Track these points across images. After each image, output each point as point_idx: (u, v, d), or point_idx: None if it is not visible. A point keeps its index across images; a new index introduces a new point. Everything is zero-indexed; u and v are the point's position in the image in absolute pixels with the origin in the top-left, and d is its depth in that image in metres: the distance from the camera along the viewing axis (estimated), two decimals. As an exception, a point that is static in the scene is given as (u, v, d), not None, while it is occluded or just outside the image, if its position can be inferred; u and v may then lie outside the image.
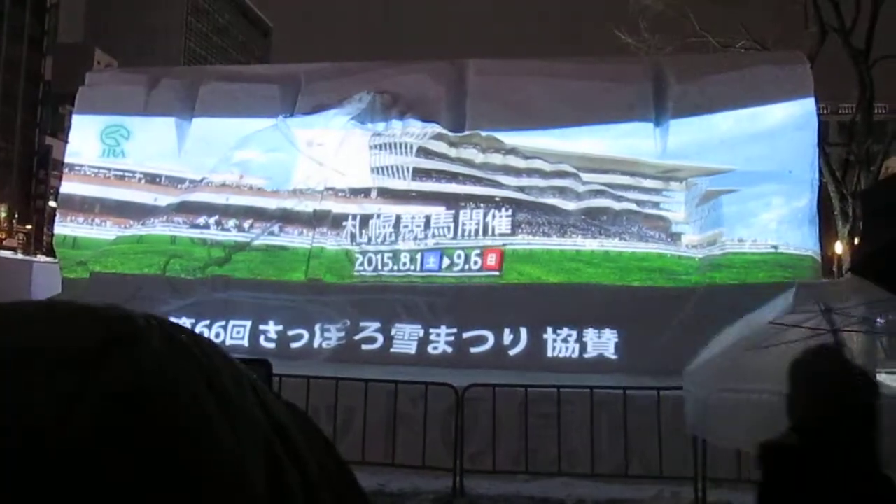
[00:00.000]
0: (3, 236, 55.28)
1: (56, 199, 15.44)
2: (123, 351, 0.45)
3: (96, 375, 0.43)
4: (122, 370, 0.44)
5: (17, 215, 61.19)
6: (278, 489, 0.45)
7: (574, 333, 10.66)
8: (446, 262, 11.31)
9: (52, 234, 14.94)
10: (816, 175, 11.07)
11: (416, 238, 11.46)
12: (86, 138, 12.90)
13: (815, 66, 14.81)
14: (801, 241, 10.13)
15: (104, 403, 0.42)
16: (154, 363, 0.45)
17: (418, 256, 11.40)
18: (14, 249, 39.66)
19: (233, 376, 0.49)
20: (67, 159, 13.38)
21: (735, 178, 10.75)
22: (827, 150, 16.09)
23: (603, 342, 10.59)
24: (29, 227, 60.97)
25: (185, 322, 11.74)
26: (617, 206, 11.14)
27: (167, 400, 0.44)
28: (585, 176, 11.31)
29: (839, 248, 19.04)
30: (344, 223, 11.71)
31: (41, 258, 19.95)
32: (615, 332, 10.52)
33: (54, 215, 14.19)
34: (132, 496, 0.40)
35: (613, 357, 10.48)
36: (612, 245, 10.99)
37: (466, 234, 11.34)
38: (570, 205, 11.21)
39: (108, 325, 0.47)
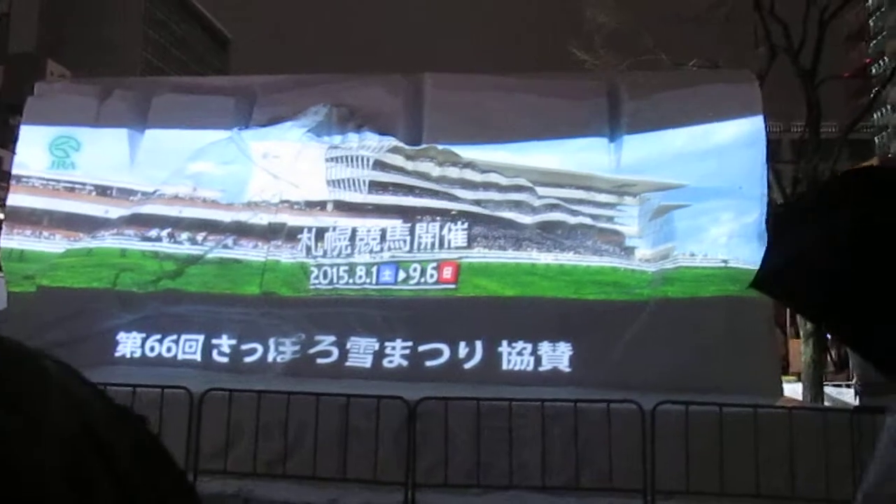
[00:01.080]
0: (-50, 249, 53.71)
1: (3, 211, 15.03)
2: None
3: None
4: None
5: (-36, 228, 59.53)
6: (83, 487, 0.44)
7: (529, 346, 10.70)
8: (402, 275, 11.28)
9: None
10: (766, 191, 11.30)
11: (371, 251, 11.42)
12: (34, 150, 12.61)
13: (767, 85, 15.20)
14: (750, 255, 10.33)
15: None
16: None
17: (374, 269, 11.36)
18: (-40, 263, 38.48)
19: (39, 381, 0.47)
20: (14, 171, 13.04)
21: (687, 194, 10.94)
22: (778, 167, 16.48)
23: (557, 355, 10.65)
24: (-23, 239, 59.30)
25: (136, 336, 11.52)
26: (572, 220, 11.24)
27: None
28: (541, 190, 11.40)
29: (789, 262, 19.43)
30: (299, 236, 11.61)
31: (-12, 272, 19.40)
32: (569, 345, 10.60)
33: (1, 227, 13.82)
34: None
35: (567, 370, 10.54)
36: (567, 259, 11.08)
37: (422, 247, 11.33)
38: (525, 218, 11.28)
39: None
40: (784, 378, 14.88)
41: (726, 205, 10.74)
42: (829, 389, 15.60)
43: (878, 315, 1.38)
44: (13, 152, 13.38)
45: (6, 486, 0.42)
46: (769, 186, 12.45)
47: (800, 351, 16.41)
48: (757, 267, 1.57)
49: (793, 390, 14.33)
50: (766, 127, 11.60)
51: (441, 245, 11.28)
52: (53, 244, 12.26)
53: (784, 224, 1.71)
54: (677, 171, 10.99)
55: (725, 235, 10.72)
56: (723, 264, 10.56)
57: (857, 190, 1.53)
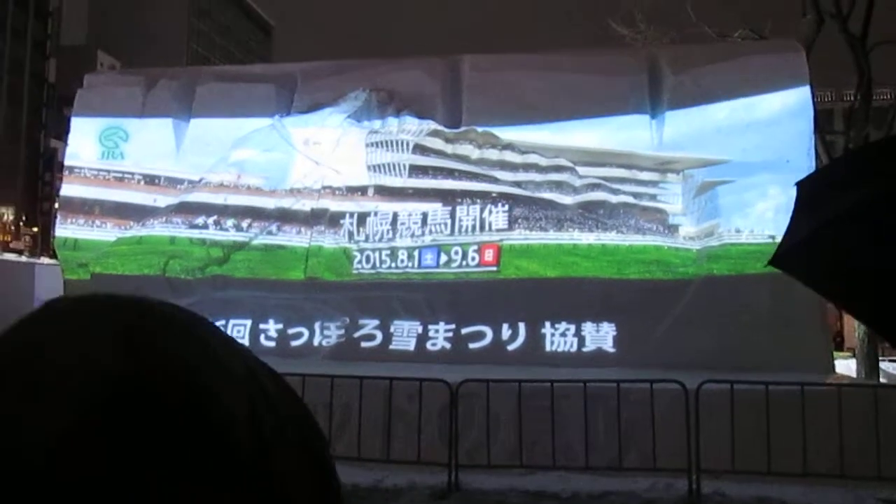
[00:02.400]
0: (10, 239, 55.59)
1: (60, 202, 15.49)
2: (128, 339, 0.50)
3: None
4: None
5: (23, 218, 61.52)
6: (257, 434, 0.51)
7: (572, 327, 10.67)
8: (444, 258, 11.33)
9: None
10: (814, 163, 11.02)
11: (413, 235, 11.48)
12: (84, 140, 12.96)
13: (817, 52, 14.76)
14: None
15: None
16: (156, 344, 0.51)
17: (416, 253, 11.43)
18: (20, 252, 39.89)
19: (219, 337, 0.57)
20: (67, 162, 13.44)
21: (731, 169, 10.73)
22: (830, 138, 16.03)
23: (601, 336, 10.60)
24: (35, 229, 61.30)
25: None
26: (614, 199, 11.12)
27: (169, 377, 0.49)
28: (582, 170, 11.29)
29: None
30: (341, 221, 11.73)
31: (45, 260, 20.06)
32: (613, 325, 10.53)
33: (59, 217, 14.24)
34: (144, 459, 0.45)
35: (612, 350, 10.49)
36: (609, 238, 10.98)
37: (463, 230, 11.35)
38: (566, 199, 11.21)
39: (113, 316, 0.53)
40: (839, 354, 14.59)
41: (773, 179, 10.49)
42: (885, 365, 15.24)
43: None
44: (67, 143, 13.76)
45: (204, 415, 0.48)
46: (818, 158, 12.13)
47: (854, 326, 16.04)
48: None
49: (847, 367, 14.05)
50: (814, 97, 11.29)
51: (482, 227, 11.28)
52: (105, 233, 12.61)
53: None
54: (721, 146, 10.78)
55: (772, 210, 10.48)
56: (770, 240, 10.32)
57: (880, 163, 1.50)
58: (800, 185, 1.70)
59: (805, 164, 10.63)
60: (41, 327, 0.52)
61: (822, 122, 14.70)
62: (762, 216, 10.52)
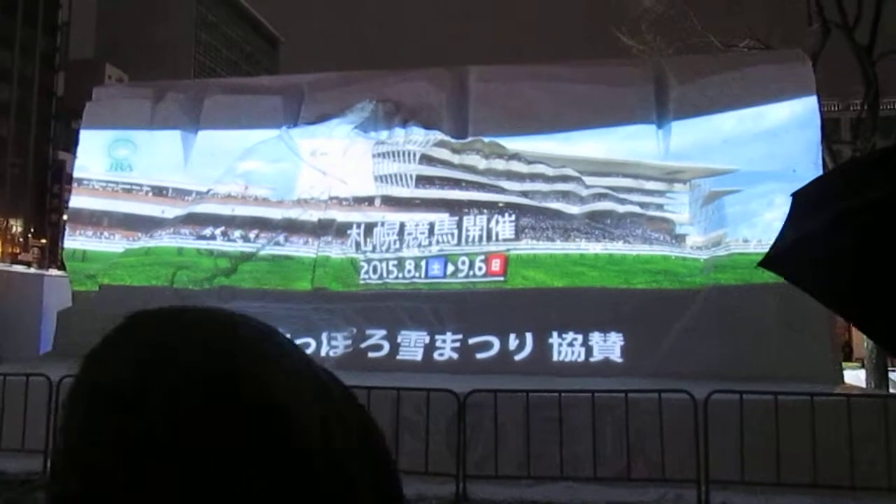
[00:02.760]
0: (19, 251, 55.83)
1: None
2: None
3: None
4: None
5: (32, 230, 61.78)
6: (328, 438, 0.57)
7: (579, 337, 10.65)
8: (451, 268, 11.34)
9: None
10: (821, 173, 11.01)
11: (420, 245, 11.50)
12: (93, 153, 13.04)
13: (822, 63, 14.75)
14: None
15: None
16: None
17: (423, 263, 11.44)
18: (29, 264, 40.05)
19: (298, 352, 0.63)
20: (76, 174, 13.52)
21: (738, 179, 10.73)
22: (836, 147, 16.00)
23: (608, 346, 10.58)
24: (43, 241, 61.54)
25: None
26: (620, 208, 11.13)
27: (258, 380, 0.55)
28: (588, 179, 11.30)
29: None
30: (348, 231, 11.76)
31: (53, 272, 20.15)
32: (620, 335, 10.51)
33: (67, 229, 14.30)
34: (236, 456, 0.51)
35: (619, 360, 10.46)
36: (616, 248, 10.98)
37: (470, 240, 11.37)
38: (573, 209, 11.22)
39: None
40: (847, 365, 14.51)
41: (780, 188, 10.45)
42: (894, 376, 15.15)
43: (885, 299, 1.36)
44: (76, 156, 13.85)
45: (282, 424, 0.54)
46: (825, 168, 12.11)
47: (863, 337, 15.96)
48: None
49: (857, 377, 13.96)
50: (821, 106, 11.29)
51: (489, 237, 11.29)
52: (113, 244, 12.67)
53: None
54: (728, 155, 10.78)
55: (779, 220, 10.18)
56: (777, 250, 10.31)
57: (876, 172, 1.51)
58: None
59: (812, 174, 10.62)
60: (163, 327, 0.60)
61: (829, 131, 14.67)
62: (769, 226, 10.48)
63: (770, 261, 1.57)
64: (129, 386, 0.54)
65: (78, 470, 0.52)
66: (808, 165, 10.59)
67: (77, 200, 13.16)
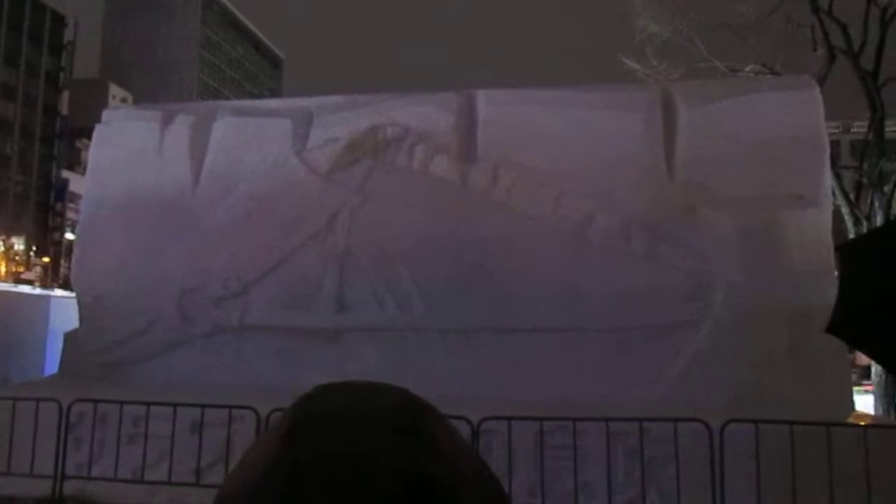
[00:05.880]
0: (22, 269, 55.85)
1: (73, 232, 15.59)
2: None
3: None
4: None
5: (34, 248, 61.84)
6: None
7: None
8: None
9: (69, 267, 15.10)
10: (830, 199, 11.03)
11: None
12: (102, 175, 13.06)
13: (824, 85, 14.84)
14: (815, 265, 10.02)
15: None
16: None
17: (432, 287, 11.39)
18: (32, 282, 40.05)
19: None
20: (85, 194, 13.54)
21: (745, 205, 10.71)
22: (839, 171, 16.05)
23: (620, 371, 10.51)
24: (46, 259, 61.58)
25: (199, 354, 11.81)
26: (629, 234, 11.10)
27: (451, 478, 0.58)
28: (595, 205, 11.28)
29: (855, 269, 18.87)
30: (360, 254, 11.74)
31: (59, 292, 20.18)
32: (631, 360, 10.45)
33: (71, 248, 14.32)
34: None
35: (631, 387, 10.39)
36: (626, 273, 10.94)
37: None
38: (581, 234, 11.20)
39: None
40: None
41: (787, 216, 10.48)
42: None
43: None
44: (81, 174, 13.89)
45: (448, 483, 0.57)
46: (832, 193, 12.15)
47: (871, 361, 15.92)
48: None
49: (864, 403, 13.90)
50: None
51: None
52: (121, 264, 12.61)
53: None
54: (735, 182, 10.77)
55: None
56: (786, 276, 10.30)
57: None
58: (842, 249, 1.72)
59: (820, 200, 10.64)
60: (335, 429, 0.59)
61: (831, 155, 14.73)
62: (778, 251, 10.47)
63: (835, 327, 1.57)
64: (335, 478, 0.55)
65: None
66: (815, 192, 10.61)
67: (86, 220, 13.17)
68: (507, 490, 0.69)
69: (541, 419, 7.64)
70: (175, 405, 8.67)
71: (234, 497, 0.56)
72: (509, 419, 7.60)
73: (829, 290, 10.28)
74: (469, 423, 7.57)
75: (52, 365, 12.91)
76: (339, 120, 12.44)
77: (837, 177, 14.81)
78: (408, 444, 0.58)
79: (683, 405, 8.30)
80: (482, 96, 12.30)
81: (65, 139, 69.29)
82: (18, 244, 59.53)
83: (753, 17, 16.01)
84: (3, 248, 54.25)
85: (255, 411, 8.08)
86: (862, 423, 7.92)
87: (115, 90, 76.44)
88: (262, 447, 0.60)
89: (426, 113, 12.26)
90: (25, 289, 22.15)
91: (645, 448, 7.45)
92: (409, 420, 0.61)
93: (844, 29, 14.91)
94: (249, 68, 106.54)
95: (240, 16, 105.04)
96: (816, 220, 10.43)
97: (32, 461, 8.21)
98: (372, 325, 11.36)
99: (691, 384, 9.64)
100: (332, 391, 0.64)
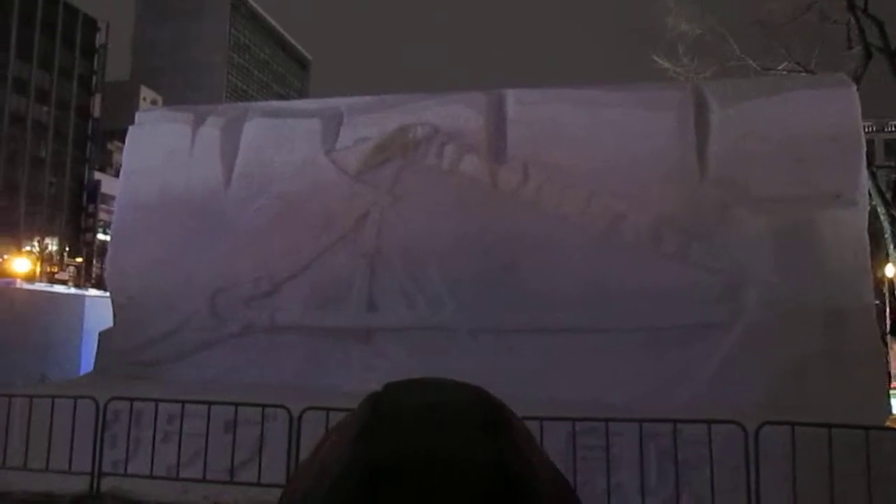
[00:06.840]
0: (55, 270, 56.81)
1: (105, 233, 15.80)
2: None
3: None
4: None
5: (67, 248, 62.86)
6: None
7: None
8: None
9: (103, 267, 15.31)
10: (867, 199, 10.85)
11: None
12: (135, 176, 13.23)
13: (859, 84, 14.60)
14: (851, 266, 9.88)
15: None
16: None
17: (461, 287, 11.39)
18: (65, 282, 40.72)
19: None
20: (119, 195, 13.72)
21: (780, 205, 10.58)
22: (874, 170, 15.79)
23: (653, 373, 10.43)
24: (79, 260, 62.57)
25: (234, 353, 11.91)
26: (661, 234, 11.01)
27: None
28: (626, 205, 11.20)
29: (889, 270, 18.58)
30: (390, 254, 11.77)
31: (93, 292, 20.50)
32: (664, 361, 10.36)
33: (104, 248, 14.51)
34: None
35: (663, 388, 10.31)
36: (659, 274, 10.85)
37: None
38: (611, 234, 11.12)
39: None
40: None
41: (823, 215, 10.33)
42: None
43: None
44: (113, 175, 14.08)
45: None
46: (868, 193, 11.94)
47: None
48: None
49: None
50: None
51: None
52: (154, 265, 12.76)
53: None
54: (769, 181, 10.63)
55: None
56: (822, 276, 10.15)
57: None
58: None
59: (857, 200, 10.47)
60: (419, 426, 0.58)
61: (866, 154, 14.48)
62: (813, 251, 10.33)
63: None
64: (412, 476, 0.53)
65: None
66: (852, 192, 10.44)
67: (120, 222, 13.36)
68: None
69: (573, 420, 7.60)
70: (209, 403, 8.75)
71: (307, 501, 0.54)
72: (541, 419, 7.56)
73: (865, 291, 10.20)
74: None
75: (87, 363, 13.11)
76: (369, 120, 12.49)
77: (873, 176, 14.57)
78: (495, 440, 0.57)
79: (716, 407, 8.21)
80: (511, 96, 12.27)
81: (97, 141, 70.40)
82: (52, 245, 60.58)
83: (787, 15, 15.78)
84: (37, 249, 55.25)
85: (288, 410, 8.14)
86: (901, 427, 7.77)
87: (145, 92, 77.49)
88: (331, 448, 0.58)
89: (455, 113, 12.25)
90: (60, 289, 22.52)
91: (678, 450, 7.38)
92: (493, 415, 0.60)
93: (881, 27, 14.64)
94: (277, 69, 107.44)
95: (268, 17, 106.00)
96: (853, 220, 10.27)
97: (70, 458, 8.34)
98: (402, 324, 11.38)
99: (724, 386, 9.54)
100: (403, 388, 0.63)
